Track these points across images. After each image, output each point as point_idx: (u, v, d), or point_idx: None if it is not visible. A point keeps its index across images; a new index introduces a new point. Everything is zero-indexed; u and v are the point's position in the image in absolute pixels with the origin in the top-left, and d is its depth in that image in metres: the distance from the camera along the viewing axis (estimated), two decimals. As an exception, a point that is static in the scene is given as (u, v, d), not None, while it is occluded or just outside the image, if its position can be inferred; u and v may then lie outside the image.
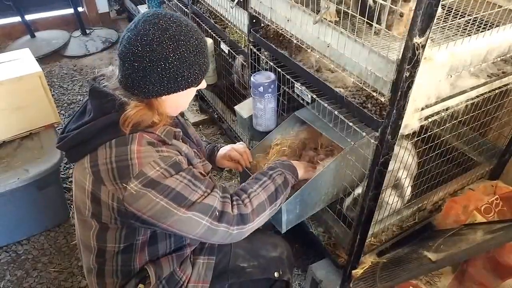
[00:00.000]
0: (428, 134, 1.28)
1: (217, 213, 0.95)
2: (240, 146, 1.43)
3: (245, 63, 1.97)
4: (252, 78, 1.47)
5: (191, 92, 1.02)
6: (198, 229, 0.92)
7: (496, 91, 1.32)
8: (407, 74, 0.95)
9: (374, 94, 1.07)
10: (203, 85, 1.04)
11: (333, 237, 1.55)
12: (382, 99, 1.04)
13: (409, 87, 0.98)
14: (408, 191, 1.44)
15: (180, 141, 1.05)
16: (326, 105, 1.26)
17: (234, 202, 1.01)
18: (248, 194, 1.05)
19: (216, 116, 2.60)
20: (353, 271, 1.49)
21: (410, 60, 0.92)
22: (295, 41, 1.32)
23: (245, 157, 1.41)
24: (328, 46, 1.18)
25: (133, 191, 0.87)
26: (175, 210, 0.89)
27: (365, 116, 1.12)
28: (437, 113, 1.19)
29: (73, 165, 1.03)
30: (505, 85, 1.32)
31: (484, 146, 1.63)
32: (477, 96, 1.27)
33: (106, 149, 0.91)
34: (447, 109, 1.21)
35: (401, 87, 0.97)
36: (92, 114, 0.94)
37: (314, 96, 1.30)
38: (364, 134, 1.16)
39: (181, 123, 1.19)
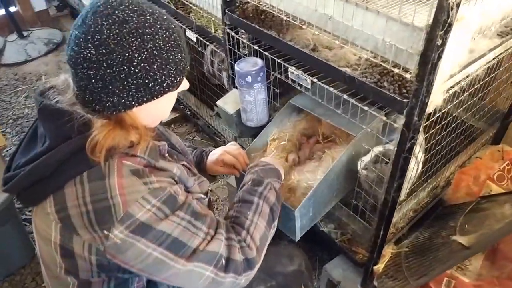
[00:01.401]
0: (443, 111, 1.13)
1: (223, 261, 0.78)
2: (232, 147, 1.23)
3: (217, 50, 1.74)
4: (236, 67, 1.26)
5: (171, 97, 0.80)
6: (200, 281, 0.76)
7: (509, 50, 1.19)
8: (439, 42, 0.78)
9: (396, 70, 0.90)
10: (184, 85, 0.83)
11: (350, 234, 1.39)
12: (407, 76, 0.87)
13: (439, 57, 0.82)
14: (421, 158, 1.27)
15: (167, 157, 0.84)
16: (331, 89, 1.07)
17: (238, 244, 0.83)
18: (247, 230, 0.87)
19: (189, 112, 2.36)
20: (375, 267, 1.35)
21: (443, 24, 0.76)
22: (285, 18, 1.12)
23: (241, 159, 1.21)
24: (329, 19, 0.99)
25: (118, 239, 0.68)
26: (172, 262, 0.72)
27: (385, 97, 0.94)
28: (457, 83, 1.04)
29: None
30: (518, 43, 1.19)
31: (488, 112, 1.52)
32: (493, 59, 1.13)
33: (75, 186, 0.70)
34: (466, 77, 1.07)
35: (432, 58, 0.80)
36: (48, 141, 0.71)
37: (315, 80, 1.11)
38: (384, 118, 0.99)
39: (162, 133, 0.97)
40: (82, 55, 0.67)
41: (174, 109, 2.58)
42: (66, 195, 0.70)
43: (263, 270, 1.11)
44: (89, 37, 0.66)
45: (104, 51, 0.66)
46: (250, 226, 0.88)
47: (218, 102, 1.46)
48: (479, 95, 1.25)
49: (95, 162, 0.69)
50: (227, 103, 1.45)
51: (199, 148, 1.26)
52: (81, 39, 0.67)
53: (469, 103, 1.22)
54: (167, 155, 0.85)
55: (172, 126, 2.54)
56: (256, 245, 0.86)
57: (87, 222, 0.69)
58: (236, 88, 1.36)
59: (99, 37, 0.66)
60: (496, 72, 1.24)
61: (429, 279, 1.15)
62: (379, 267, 1.36)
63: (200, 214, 0.79)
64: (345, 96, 1.04)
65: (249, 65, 1.26)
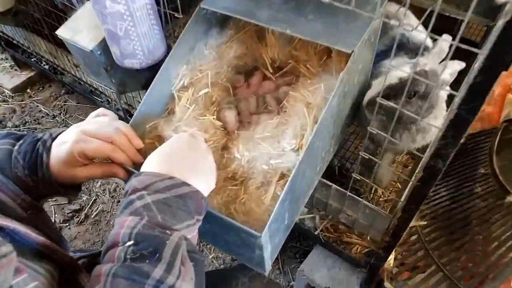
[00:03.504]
0: None
1: None
2: (99, 121, 0.58)
3: None
4: None
5: None
6: None
7: None
8: None
9: None
10: None
11: (342, 223, 0.85)
12: None
13: None
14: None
15: None
16: None
17: None
18: None
19: (46, 67, 1.54)
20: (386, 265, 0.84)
21: None
22: None
23: (122, 142, 0.57)
24: None
25: None
26: None
27: None
28: None
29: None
30: None
31: None
32: None
33: None
34: None
35: None
36: None
37: None
38: None
39: None
40: None
41: (26, 66, 1.72)
42: None
43: None
44: None
45: None
46: None
47: (60, 32, 0.74)
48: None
49: None
50: (79, 31, 0.73)
51: (28, 135, 0.58)
52: None
53: None
54: None
55: (29, 91, 1.70)
56: None
57: None
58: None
59: None
60: None
61: (499, 283, 0.66)
62: (390, 260, 0.86)
63: None
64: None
65: None
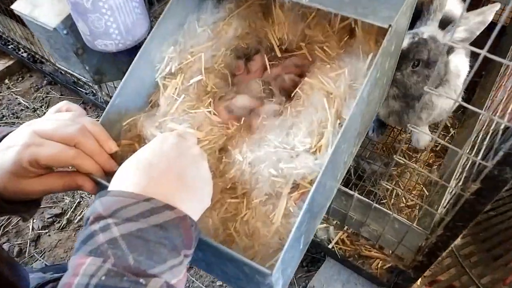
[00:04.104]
0: None
1: None
2: (63, 117, 0.45)
3: None
4: None
5: None
6: None
7: None
8: None
9: None
10: None
11: (364, 237, 0.72)
12: None
13: None
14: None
15: None
16: None
17: None
18: None
19: (25, 54, 1.39)
20: None
21: None
22: None
23: (90, 146, 0.44)
24: None
25: None
26: None
27: None
28: None
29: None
30: None
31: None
32: None
33: None
34: None
35: None
36: None
37: None
38: None
39: None
40: None
41: (3, 54, 1.57)
42: None
43: None
44: None
45: None
46: None
47: (16, 6, 0.60)
48: None
49: None
50: (40, 4, 0.59)
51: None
52: None
53: None
54: None
55: (7, 81, 1.55)
56: None
57: None
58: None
59: None
60: None
61: None
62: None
63: None
64: None
65: None
